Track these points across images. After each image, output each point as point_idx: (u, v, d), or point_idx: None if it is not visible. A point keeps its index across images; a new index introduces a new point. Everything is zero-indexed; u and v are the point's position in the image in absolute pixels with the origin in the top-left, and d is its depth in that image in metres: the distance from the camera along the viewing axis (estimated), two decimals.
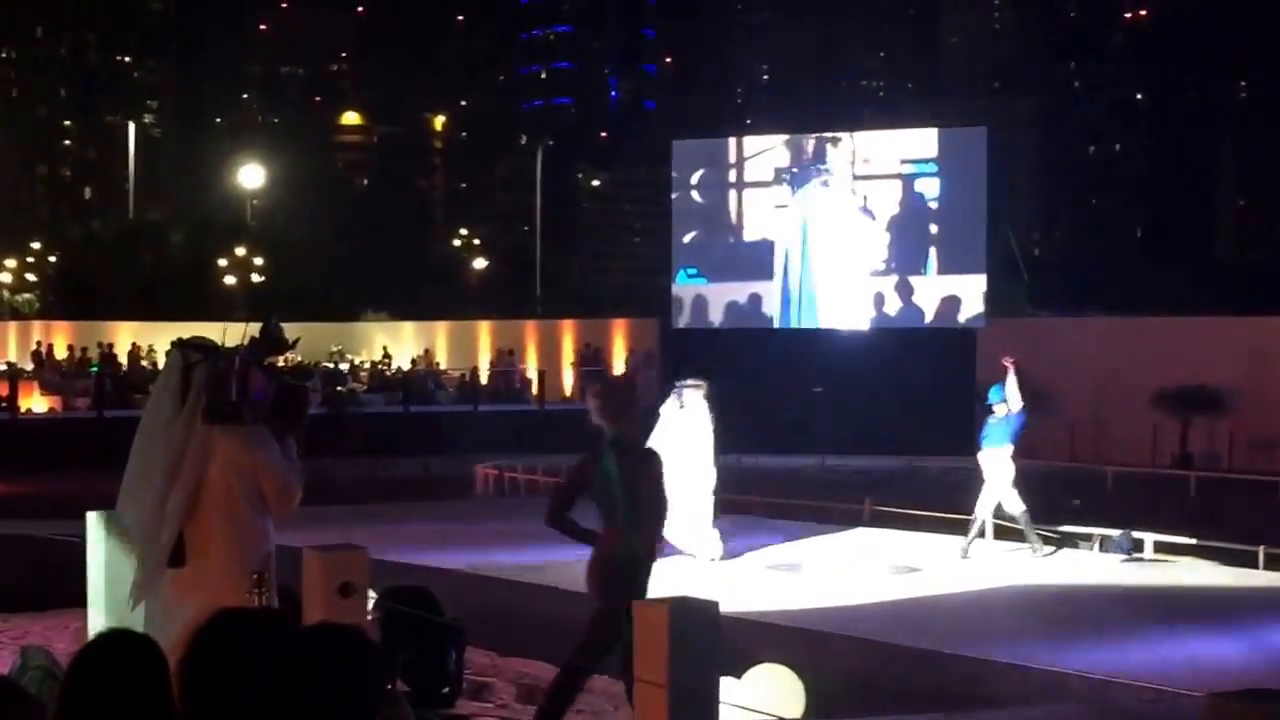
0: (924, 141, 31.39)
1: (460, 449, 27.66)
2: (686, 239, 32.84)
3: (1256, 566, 14.05)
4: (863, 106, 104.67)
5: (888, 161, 31.15)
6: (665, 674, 5.51)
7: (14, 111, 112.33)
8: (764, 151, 32.22)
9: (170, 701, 3.22)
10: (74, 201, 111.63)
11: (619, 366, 35.32)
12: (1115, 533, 14.95)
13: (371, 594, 7.28)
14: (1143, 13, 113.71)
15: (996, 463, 14.17)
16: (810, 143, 31.72)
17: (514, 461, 24.51)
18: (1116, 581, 13.19)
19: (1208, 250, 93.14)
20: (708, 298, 32.30)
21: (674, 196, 33.30)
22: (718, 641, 5.75)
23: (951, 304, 30.27)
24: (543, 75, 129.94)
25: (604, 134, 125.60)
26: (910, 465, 25.32)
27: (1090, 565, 14.21)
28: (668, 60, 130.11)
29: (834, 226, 31.07)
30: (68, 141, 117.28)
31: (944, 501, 16.76)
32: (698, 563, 13.20)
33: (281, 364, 7.52)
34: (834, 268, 31.10)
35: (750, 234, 32.10)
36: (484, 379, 35.93)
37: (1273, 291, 46.52)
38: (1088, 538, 15.26)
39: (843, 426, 28.08)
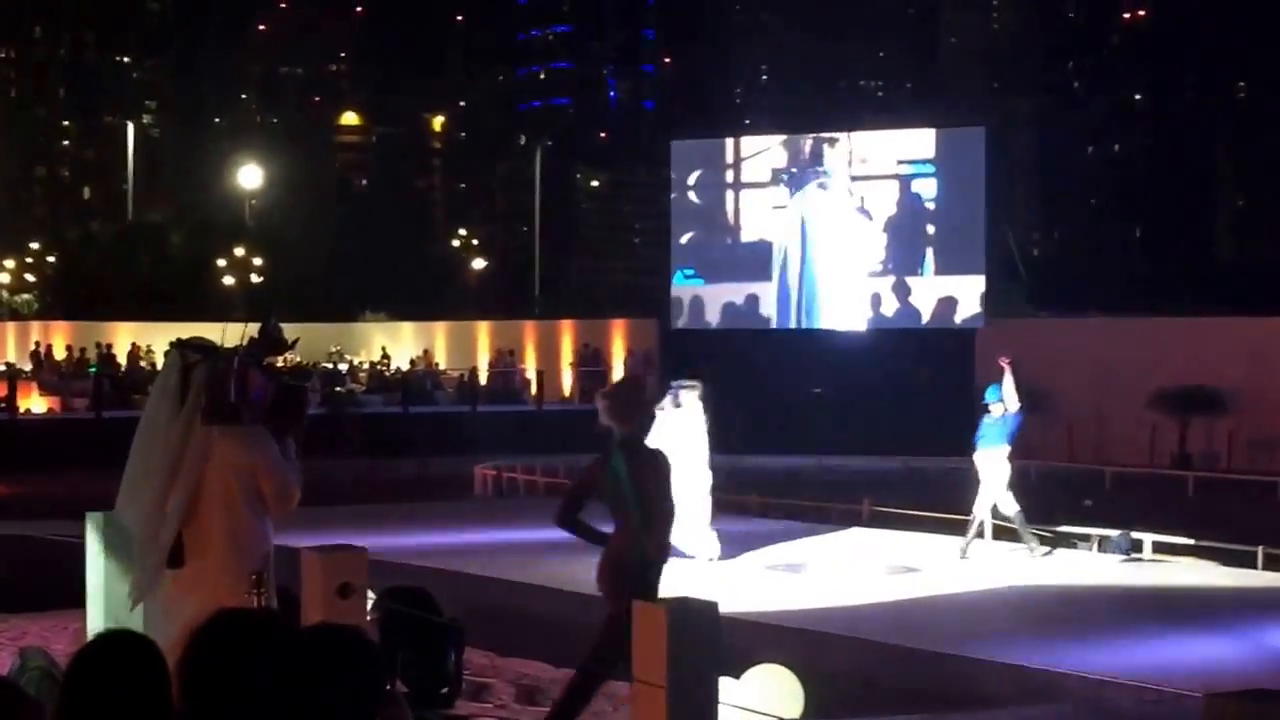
0: (921, 142, 31.39)
1: (459, 449, 27.66)
2: (684, 240, 32.85)
3: (1255, 567, 14.06)
4: (861, 107, 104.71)
5: (885, 162, 31.17)
6: (664, 674, 5.51)
7: (13, 112, 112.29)
8: (761, 152, 32.23)
9: (169, 702, 3.22)
10: (73, 202, 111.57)
11: (618, 367, 35.31)
12: (1114, 533, 14.96)
13: (370, 594, 7.28)
14: (1141, 13, 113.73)
15: (993, 463, 14.15)
16: (807, 143, 31.73)
17: (513, 462, 24.51)
18: (1115, 582, 13.20)
19: (1207, 250, 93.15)
20: (704, 298, 32.31)
21: (673, 197, 33.32)
22: (717, 642, 5.76)
23: (948, 304, 30.29)
24: (542, 76, 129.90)
25: (603, 134, 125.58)
26: (909, 465, 25.32)
27: (1089, 566, 14.21)
28: (667, 61, 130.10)
29: (831, 227, 31.09)
30: (66, 142, 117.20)
31: (943, 502, 16.76)
32: (696, 563, 13.21)
33: (280, 364, 7.53)
34: (831, 268, 31.11)
35: (747, 235, 32.11)
36: (483, 379, 35.92)
37: (1272, 292, 46.51)
38: (1086, 538, 15.27)
39: (841, 427, 28.10)
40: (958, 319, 30.19)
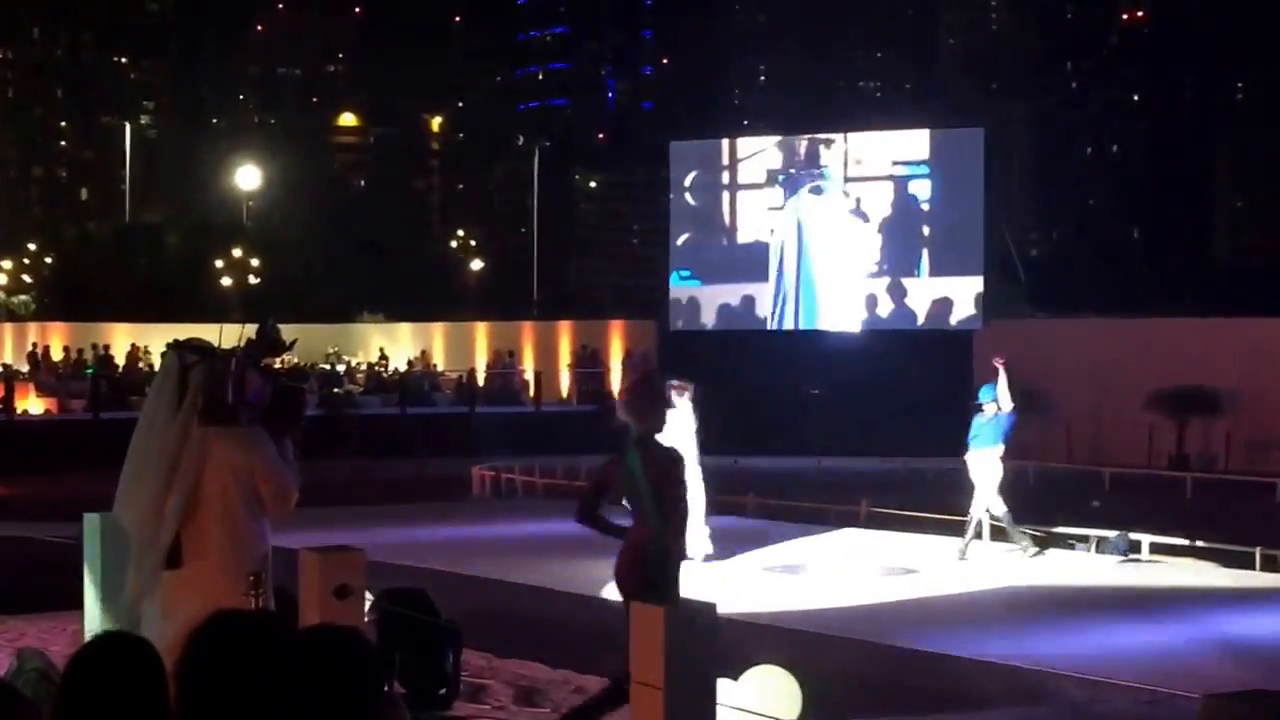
0: (917, 143, 31.39)
1: (457, 450, 27.67)
2: (680, 241, 32.87)
3: (1253, 568, 14.07)
4: (860, 107, 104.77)
5: (880, 163, 31.17)
6: (662, 675, 5.51)
7: (10, 112, 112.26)
8: (757, 153, 32.22)
9: (166, 704, 3.22)
10: (70, 202, 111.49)
11: (616, 368, 35.33)
12: (1112, 534, 14.96)
13: (368, 596, 7.28)
14: (1140, 14, 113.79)
15: (986, 463, 14.14)
16: (803, 144, 31.72)
17: (511, 463, 24.51)
18: (1113, 583, 13.20)
19: (1205, 251, 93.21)
20: (700, 300, 32.31)
21: (671, 198, 33.33)
22: (714, 643, 5.76)
23: (943, 306, 30.30)
24: (540, 76, 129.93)
25: (601, 135, 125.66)
26: (907, 467, 25.33)
27: (1087, 566, 14.21)
28: (665, 61, 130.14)
29: (827, 228, 31.09)
30: (64, 142, 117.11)
31: (940, 503, 16.76)
32: (693, 564, 13.20)
33: (278, 366, 7.53)
34: (827, 270, 31.12)
35: (744, 236, 32.12)
36: (481, 380, 35.92)
37: (1269, 292, 46.54)
38: (1084, 539, 15.28)
39: (839, 428, 28.11)
40: (953, 320, 30.20)
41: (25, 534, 15.43)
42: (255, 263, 56.60)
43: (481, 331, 40.02)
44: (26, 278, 63.55)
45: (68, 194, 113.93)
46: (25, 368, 33.99)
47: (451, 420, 31.77)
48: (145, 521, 6.04)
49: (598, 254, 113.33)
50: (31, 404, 31.03)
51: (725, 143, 33.32)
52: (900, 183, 30.96)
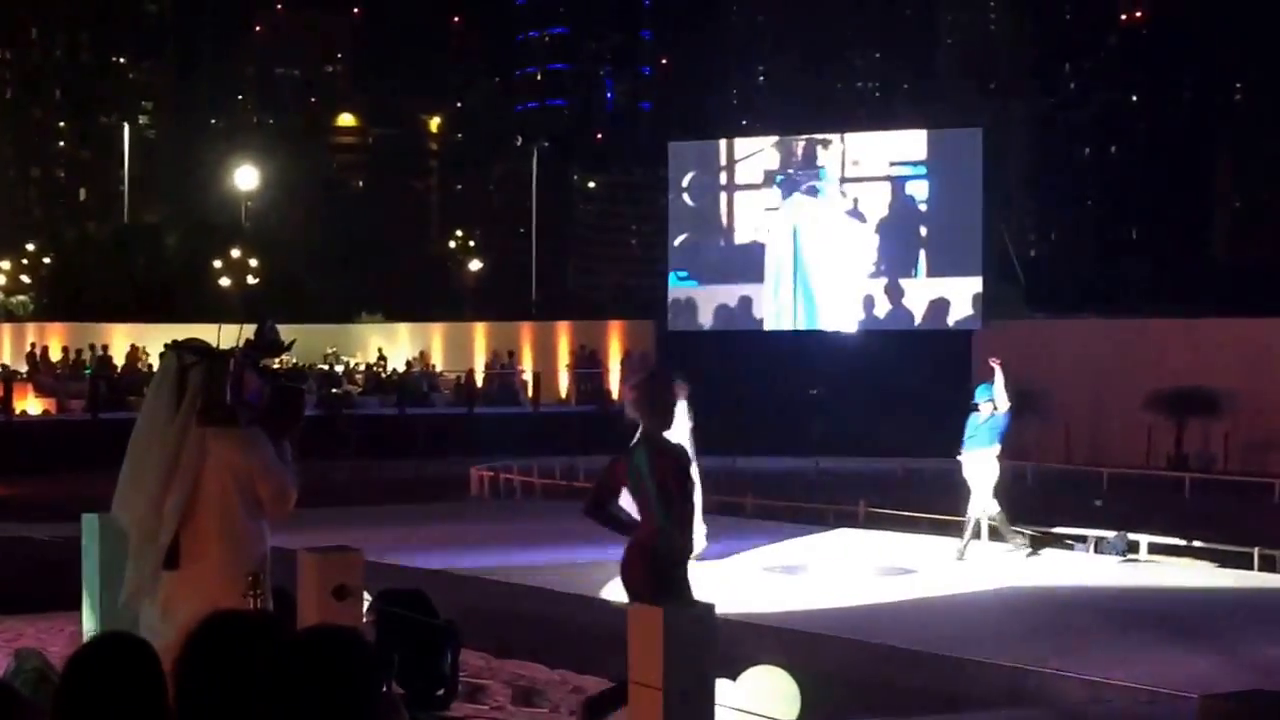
0: (914, 143, 31.39)
1: (455, 451, 27.67)
2: (677, 242, 32.87)
3: (1251, 568, 14.07)
4: (858, 108, 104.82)
5: (878, 164, 31.16)
6: (660, 676, 5.51)
7: (9, 113, 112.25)
8: (754, 154, 32.22)
9: (165, 704, 3.22)
10: (69, 203, 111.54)
11: (615, 368, 35.33)
12: (1110, 534, 14.96)
13: (366, 596, 7.28)
14: (1139, 14, 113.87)
15: (982, 463, 14.13)
16: (800, 145, 31.72)
17: (509, 463, 24.52)
18: (1111, 583, 13.20)
19: (1203, 252, 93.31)
20: (697, 301, 32.30)
21: (669, 199, 33.32)
22: (713, 643, 5.76)
23: (940, 306, 30.31)
24: (538, 77, 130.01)
25: (600, 136, 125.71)
26: (905, 467, 25.34)
27: (1085, 567, 14.21)
28: (664, 62, 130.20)
29: (824, 229, 31.09)
30: (62, 143, 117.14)
31: (939, 503, 16.76)
32: (691, 563, 13.19)
33: (276, 366, 7.53)
34: (824, 270, 31.12)
35: (741, 237, 32.12)
36: (480, 381, 35.93)
37: (1268, 293, 46.58)
38: (1083, 539, 15.28)
39: (837, 428, 28.11)
40: (951, 321, 30.21)
41: (24, 534, 15.42)
42: (254, 263, 56.60)
43: (480, 332, 40.02)
44: (25, 278, 63.55)
45: (66, 194, 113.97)
46: (24, 368, 33.97)
47: (450, 421, 31.78)
48: (144, 522, 6.04)
49: (596, 254, 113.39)
50: (30, 404, 31.03)
51: (723, 143, 33.31)
52: (898, 183, 30.96)
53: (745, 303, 31.77)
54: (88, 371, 32.84)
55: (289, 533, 7.37)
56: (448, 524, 17.29)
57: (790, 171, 31.52)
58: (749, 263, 31.70)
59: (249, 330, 6.25)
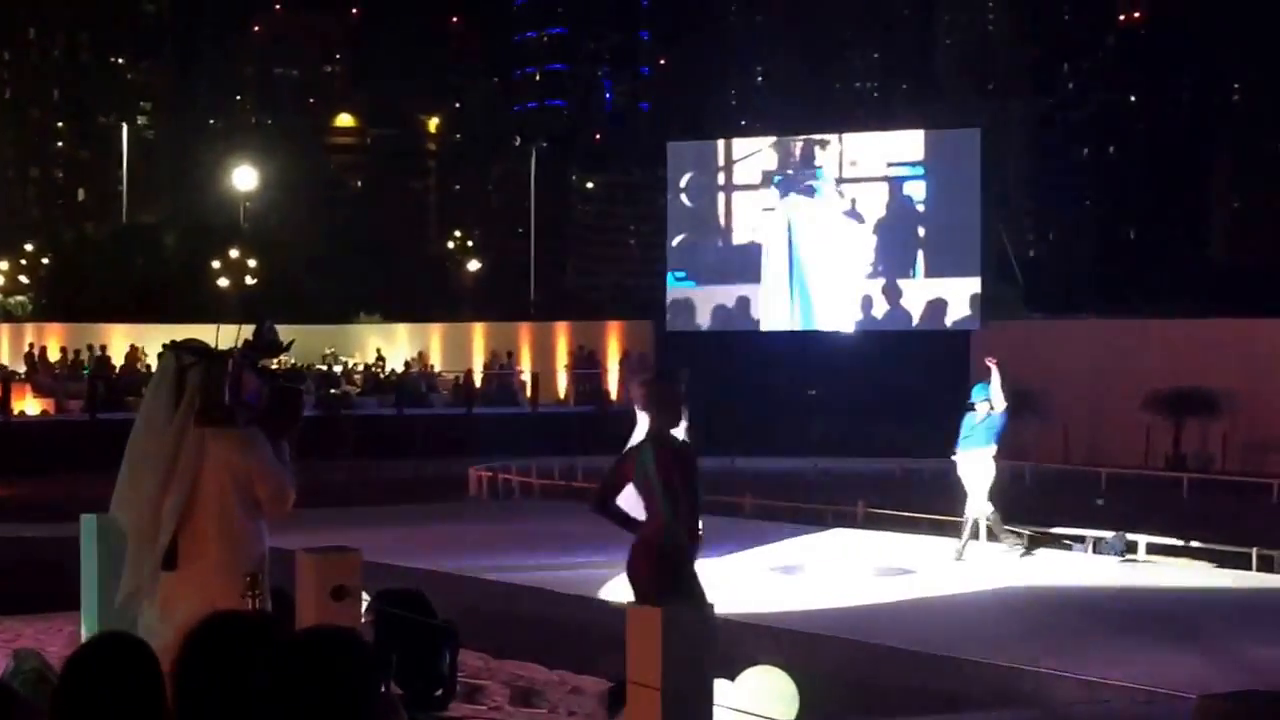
0: (912, 144, 31.39)
1: (454, 451, 27.66)
2: (675, 242, 32.88)
3: (1249, 568, 14.07)
4: (856, 108, 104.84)
5: (876, 164, 31.16)
6: (659, 676, 5.52)
7: (8, 113, 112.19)
8: (752, 154, 32.22)
9: (163, 705, 3.23)
10: (67, 203, 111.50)
11: (613, 369, 35.33)
12: (1109, 535, 14.96)
13: (365, 597, 7.28)
14: (1137, 15, 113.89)
15: (978, 463, 14.11)
16: (798, 145, 31.72)
17: (508, 464, 24.52)
18: (1109, 583, 13.20)
19: (1202, 252, 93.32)
20: (695, 301, 32.30)
21: (668, 199, 33.33)
22: (712, 643, 5.77)
23: (938, 307, 30.31)
24: (537, 77, 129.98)
25: (598, 136, 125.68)
26: (904, 467, 25.35)
27: (1083, 567, 14.21)
28: (662, 62, 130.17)
29: (822, 229, 31.09)
30: (61, 143, 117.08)
31: (937, 504, 16.77)
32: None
33: (275, 367, 7.53)
34: (822, 271, 31.12)
35: (738, 237, 32.12)
36: (478, 381, 35.93)
37: (1266, 293, 46.60)
38: (1081, 539, 15.27)
39: (836, 429, 28.12)
40: (948, 321, 30.22)
41: (22, 534, 15.41)
42: (252, 263, 56.60)
43: (479, 332, 40.02)
44: (23, 278, 63.54)
45: (65, 195, 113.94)
46: (22, 368, 33.97)
47: (449, 421, 31.77)
48: (142, 522, 6.04)
49: (595, 255, 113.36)
50: (28, 404, 31.02)
51: (721, 144, 33.31)
52: (895, 184, 30.96)
53: (743, 303, 31.77)
54: (86, 372, 32.83)
55: (287, 533, 7.38)
56: (446, 524, 17.28)
57: (789, 172, 31.52)
58: (747, 263, 31.69)
59: (247, 331, 6.25)
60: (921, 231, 30.76)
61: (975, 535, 14.46)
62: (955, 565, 13.94)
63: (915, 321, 30.50)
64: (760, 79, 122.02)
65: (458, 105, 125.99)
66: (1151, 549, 14.78)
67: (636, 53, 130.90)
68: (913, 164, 30.89)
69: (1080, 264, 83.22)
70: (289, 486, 6.07)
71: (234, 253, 56.40)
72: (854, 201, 31.05)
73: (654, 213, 39.03)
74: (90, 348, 34.41)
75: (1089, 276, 73.24)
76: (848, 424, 28.00)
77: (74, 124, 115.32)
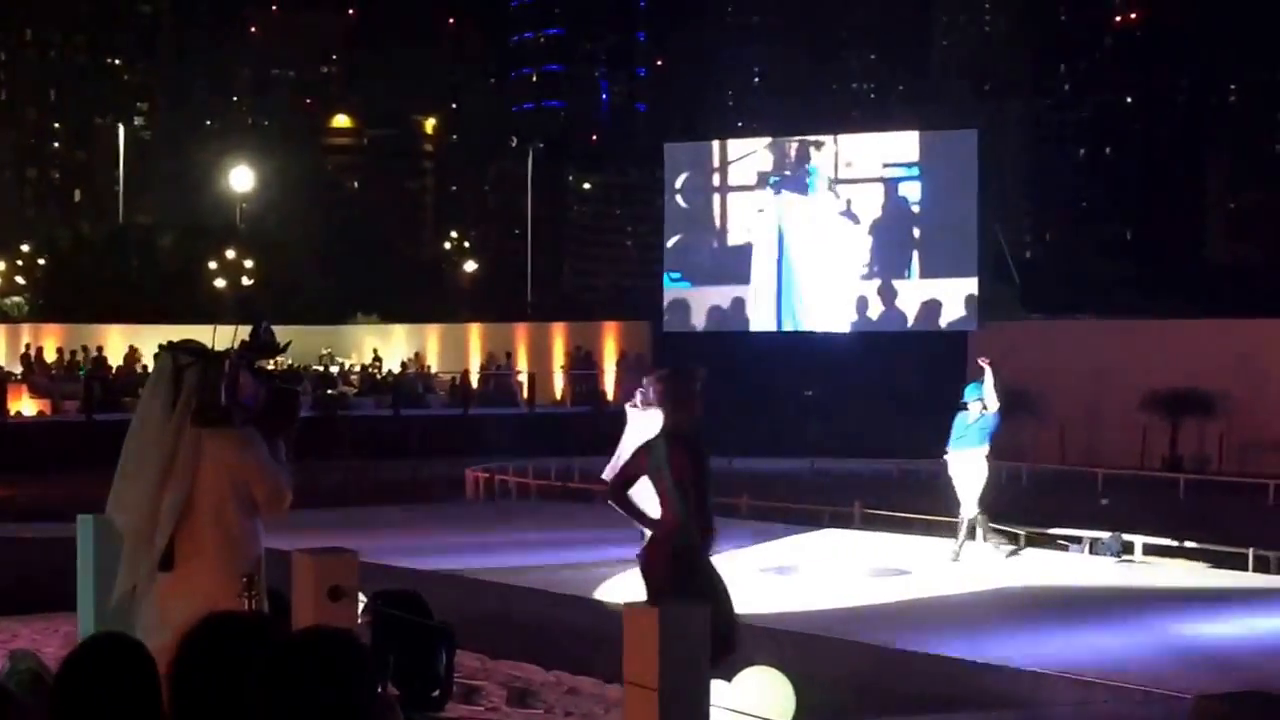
0: (907, 145, 31.40)
1: (451, 452, 27.66)
2: (671, 243, 32.89)
3: (1245, 569, 14.08)
4: (853, 109, 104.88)
5: (871, 165, 31.17)
6: (656, 677, 5.51)
7: (3, 113, 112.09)
8: (747, 155, 32.23)
9: (160, 706, 3.22)
10: (63, 204, 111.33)
11: (610, 370, 35.33)
12: (1105, 535, 14.96)
13: (361, 597, 7.28)
14: (1133, 16, 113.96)
15: (970, 463, 14.10)
16: (793, 146, 31.74)
17: (504, 464, 24.52)
18: (1106, 584, 13.21)
19: (1198, 253, 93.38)
20: (690, 302, 32.30)
21: (665, 200, 33.33)
22: (709, 644, 5.76)
23: (933, 308, 30.32)
24: (534, 78, 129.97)
25: (595, 137, 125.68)
26: (901, 468, 25.35)
27: (1080, 568, 14.22)
28: (659, 63, 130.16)
29: (817, 230, 31.11)
30: (57, 144, 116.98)
31: (934, 504, 16.77)
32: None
33: (271, 367, 7.53)
34: (817, 271, 31.12)
35: (734, 238, 32.12)
36: (475, 382, 35.93)
37: (1262, 294, 46.65)
38: (1078, 540, 15.28)
39: (833, 429, 28.12)
40: (943, 322, 30.24)
41: (18, 535, 15.39)
42: (249, 264, 56.59)
43: (475, 333, 40.02)
44: (20, 279, 63.48)
45: (61, 195, 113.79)
46: (19, 369, 33.94)
47: (445, 422, 31.78)
48: (140, 523, 6.04)
49: (592, 255, 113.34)
50: (25, 405, 31.00)
51: (716, 144, 33.32)
52: (891, 185, 30.98)
53: (738, 304, 31.77)
54: (82, 372, 32.80)
55: (284, 534, 7.37)
56: (443, 525, 17.27)
57: (785, 173, 31.53)
58: (742, 264, 31.70)
59: (244, 331, 6.24)
60: (917, 232, 30.78)
61: (971, 536, 14.46)
62: (951, 566, 13.94)
63: (910, 322, 30.51)
64: (757, 80, 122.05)
65: (454, 106, 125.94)
66: (1148, 550, 14.79)
67: (633, 54, 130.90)
68: (908, 165, 30.91)
69: (1077, 264, 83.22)
70: (286, 487, 6.06)
71: (230, 253, 56.39)
72: (849, 202, 31.07)
73: (651, 213, 39.08)
74: (86, 348, 34.39)
75: (1086, 277, 73.24)
76: (845, 425, 28.00)
77: (70, 124, 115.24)
